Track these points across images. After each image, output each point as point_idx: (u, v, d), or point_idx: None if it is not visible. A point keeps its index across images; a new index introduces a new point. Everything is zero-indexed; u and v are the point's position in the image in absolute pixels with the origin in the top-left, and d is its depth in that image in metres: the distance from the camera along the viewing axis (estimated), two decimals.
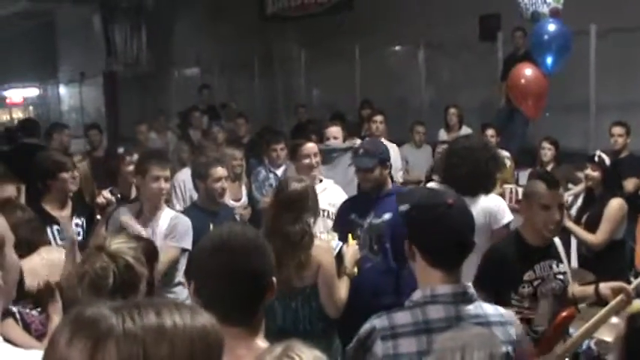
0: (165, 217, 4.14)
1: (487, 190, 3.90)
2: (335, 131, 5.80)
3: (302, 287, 3.45)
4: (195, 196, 4.99)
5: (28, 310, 2.88)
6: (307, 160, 4.69)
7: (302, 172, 4.49)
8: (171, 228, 4.04)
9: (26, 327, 2.86)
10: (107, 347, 0.99)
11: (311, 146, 4.79)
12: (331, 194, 4.64)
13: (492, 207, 3.86)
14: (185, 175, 5.40)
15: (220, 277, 1.84)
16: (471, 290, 2.21)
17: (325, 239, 3.82)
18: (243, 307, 1.85)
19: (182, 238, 3.99)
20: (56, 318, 2.75)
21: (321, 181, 4.73)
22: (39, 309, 2.88)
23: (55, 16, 19.55)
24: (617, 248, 4.91)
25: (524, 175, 7.26)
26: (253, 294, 1.88)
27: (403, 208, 2.26)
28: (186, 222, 4.10)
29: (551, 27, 6.79)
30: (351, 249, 3.71)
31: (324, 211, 4.33)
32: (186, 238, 4.01)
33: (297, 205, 3.43)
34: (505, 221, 3.87)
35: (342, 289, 3.52)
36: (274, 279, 1.92)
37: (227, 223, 2.65)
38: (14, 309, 2.79)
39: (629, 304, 2.89)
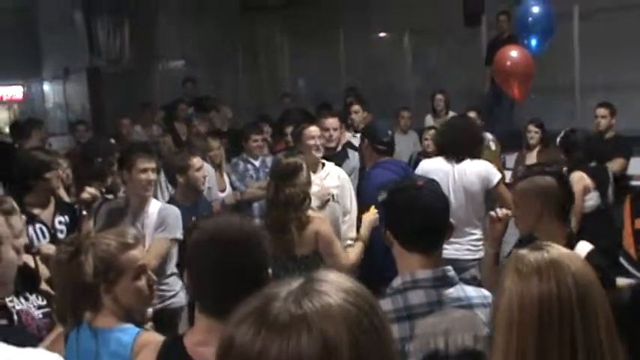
0: (154, 209, 4.15)
1: (472, 156, 4.39)
2: (333, 123, 5.46)
3: (303, 255, 3.67)
4: None
5: (33, 309, 2.74)
6: (312, 142, 4.75)
7: (307, 154, 4.51)
8: (161, 219, 4.07)
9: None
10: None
11: (314, 129, 4.88)
12: (334, 177, 4.74)
13: (482, 170, 4.39)
14: None
15: (216, 271, 1.81)
16: (452, 273, 2.17)
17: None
18: (240, 300, 1.82)
19: (173, 229, 4.03)
20: None
21: (323, 165, 4.78)
22: (48, 309, 2.75)
23: (36, 13, 19.34)
24: (602, 217, 4.92)
25: (510, 159, 7.28)
26: (249, 287, 1.85)
27: (380, 197, 2.25)
28: (175, 212, 4.15)
29: (535, 9, 6.79)
30: (369, 216, 3.90)
31: (332, 195, 4.50)
32: (177, 227, 4.06)
33: (293, 174, 3.74)
34: (496, 180, 4.38)
35: (353, 252, 3.83)
36: (270, 271, 1.89)
37: (223, 214, 2.60)
38: (16, 308, 2.68)
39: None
